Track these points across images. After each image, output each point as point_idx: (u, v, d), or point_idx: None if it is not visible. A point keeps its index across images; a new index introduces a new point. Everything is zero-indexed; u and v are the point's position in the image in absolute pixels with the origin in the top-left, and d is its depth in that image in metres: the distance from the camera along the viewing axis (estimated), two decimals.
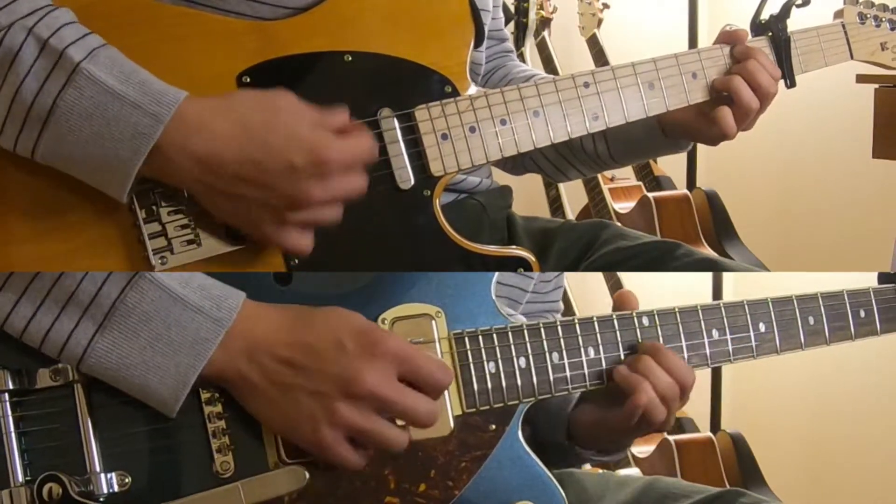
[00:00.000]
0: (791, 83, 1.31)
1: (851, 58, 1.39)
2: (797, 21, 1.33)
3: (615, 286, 2.87)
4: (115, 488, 0.94)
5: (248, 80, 1.05)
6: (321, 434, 0.94)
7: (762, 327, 1.17)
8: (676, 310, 1.13)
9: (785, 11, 1.31)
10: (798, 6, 1.31)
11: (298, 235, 1.01)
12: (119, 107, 0.94)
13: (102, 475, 0.94)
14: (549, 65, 3.10)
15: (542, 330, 1.07)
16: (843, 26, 1.38)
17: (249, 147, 0.96)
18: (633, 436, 1.19)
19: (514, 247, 1.16)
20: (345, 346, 0.94)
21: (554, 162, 1.44)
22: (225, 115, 0.97)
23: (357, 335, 0.95)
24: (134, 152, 0.94)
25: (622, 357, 1.10)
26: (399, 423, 0.97)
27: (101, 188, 0.98)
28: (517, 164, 1.48)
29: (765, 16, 1.31)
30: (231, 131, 0.96)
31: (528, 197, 3.03)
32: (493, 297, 1.06)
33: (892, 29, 1.41)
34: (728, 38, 1.29)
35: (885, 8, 1.40)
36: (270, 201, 0.97)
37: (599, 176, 2.98)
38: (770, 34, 1.31)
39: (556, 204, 3.08)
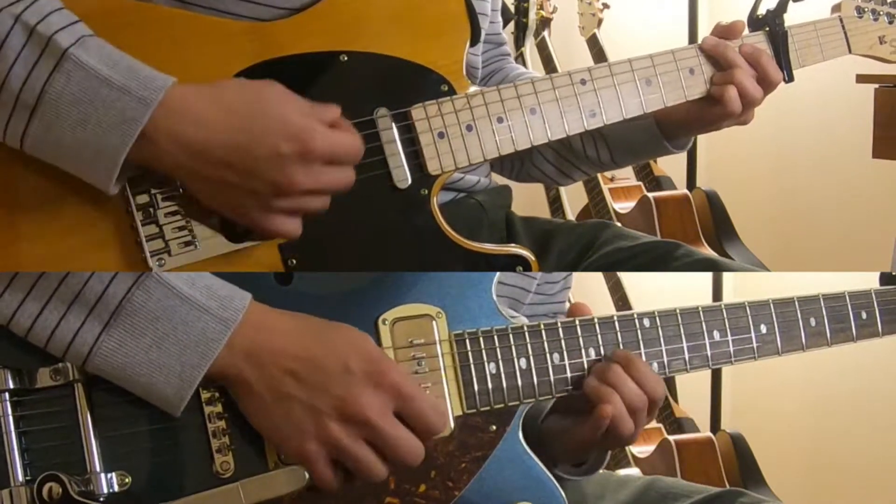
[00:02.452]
0: (789, 78, 1.31)
1: (849, 51, 1.39)
2: (794, 16, 1.32)
3: (615, 286, 2.87)
4: (115, 488, 0.94)
5: None
6: (306, 446, 0.94)
7: (763, 328, 1.17)
8: (678, 311, 1.13)
9: (782, 6, 1.31)
10: (795, 0, 1.31)
11: (284, 220, 1.01)
12: (107, 91, 0.94)
13: (102, 475, 0.94)
14: (549, 65, 3.10)
15: (543, 331, 1.07)
16: (841, 20, 1.38)
17: (236, 133, 0.97)
18: (599, 448, 1.18)
19: (512, 245, 1.16)
20: (351, 368, 0.94)
21: (556, 165, 1.44)
22: (212, 101, 0.97)
23: (365, 361, 0.95)
24: (122, 137, 0.94)
25: (585, 365, 1.08)
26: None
27: (88, 178, 0.98)
28: (521, 172, 1.48)
29: (762, 10, 1.31)
30: (218, 117, 0.97)
31: (528, 197, 3.03)
32: (494, 297, 1.05)
33: (889, 23, 1.40)
34: (724, 31, 1.29)
35: (882, 2, 1.40)
36: (256, 188, 0.98)
37: (599, 176, 2.98)
38: (767, 29, 1.31)
39: (556, 204, 3.08)
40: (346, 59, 1.08)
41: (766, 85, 1.28)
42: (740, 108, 1.26)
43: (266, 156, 0.97)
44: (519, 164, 1.47)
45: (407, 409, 0.96)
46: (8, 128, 0.96)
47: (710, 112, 1.28)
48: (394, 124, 1.09)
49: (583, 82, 1.18)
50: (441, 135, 1.10)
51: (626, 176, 3.09)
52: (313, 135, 0.98)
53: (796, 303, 1.19)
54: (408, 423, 0.96)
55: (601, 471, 1.28)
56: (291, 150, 0.97)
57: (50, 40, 0.95)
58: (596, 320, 1.10)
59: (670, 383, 2.84)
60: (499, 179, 1.39)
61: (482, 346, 1.04)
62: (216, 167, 0.97)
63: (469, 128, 1.11)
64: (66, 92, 0.94)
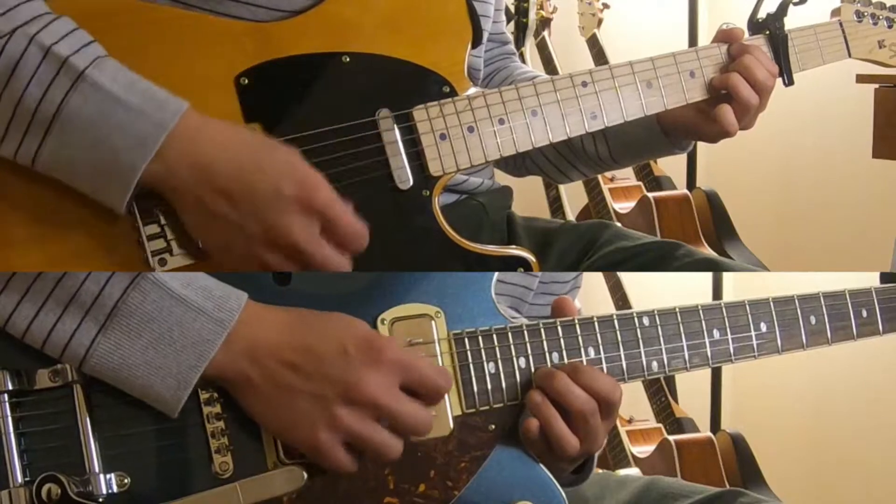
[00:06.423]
0: (789, 81, 1.31)
1: (849, 56, 1.39)
2: (794, 19, 1.33)
3: (615, 286, 2.88)
4: (115, 489, 0.94)
5: (246, 81, 1.05)
6: (318, 437, 0.94)
7: (763, 327, 1.17)
8: (677, 309, 1.13)
9: (782, 9, 1.31)
10: (795, 4, 1.31)
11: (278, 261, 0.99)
12: (124, 114, 0.94)
13: (101, 476, 0.94)
14: (549, 65, 3.11)
15: (542, 330, 1.07)
16: (841, 24, 1.38)
17: (243, 159, 0.97)
18: (559, 464, 1.09)
19: (513, 247, 1.16)
20: (348, 352, 0.94)
21: (555, 163, 1.44)
22: (227, 129, 0.98)
23: (360, 342, 0.95)
24: (136, 159, 0.94)
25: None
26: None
27: (99, 197, 0.98)
28: (518, 165, 1.48)
29: (762, 14, 1.32)
30: (230, 142, 0.97)
31: (528, 197, 3.03)
32: (493, 296, 1.05)
33: (889, 27, 1.40)
34: (725, 36, 1.29)
35: (882, 6, 1.40)
36: (248, 225, 0.97)
37: (599, 176, 2.99)
38: (767, 32, 1.31)
39: (556, 204, 3.08)
40: (347, 59, 1.08)
41: (761, 90, 1.27)
42: (736, 129, 1.26)
43: (267, 192, 0.96)
44: (521, 160, 1.47)
45: (410, 379, 0.96)
46: (21, 147, 0.95)
47: (709, 130, 1.29)
48: (396, 125, 1.09)
49: (584, 84, 1.18)
50: (443, 136, 1.10)
51: (626, 176, 3.10)
52: (318, 186, 0.98)
53: (796, 301, 1.19)
54: (415, 393, 0.97)
55: (601, 471, 1.28)
56: (293, 194, 0.96)
57: (66, 61, 0.94)
58: (595, 319, 1.09)
59: (670, 383, 2.84)
60: (500, 179, 1.39)
61: (481, 345, 1.04)
62: (214, 194, 0.96)
63: (471, 129, 1.11)
64: (83, 112, 0.94)
